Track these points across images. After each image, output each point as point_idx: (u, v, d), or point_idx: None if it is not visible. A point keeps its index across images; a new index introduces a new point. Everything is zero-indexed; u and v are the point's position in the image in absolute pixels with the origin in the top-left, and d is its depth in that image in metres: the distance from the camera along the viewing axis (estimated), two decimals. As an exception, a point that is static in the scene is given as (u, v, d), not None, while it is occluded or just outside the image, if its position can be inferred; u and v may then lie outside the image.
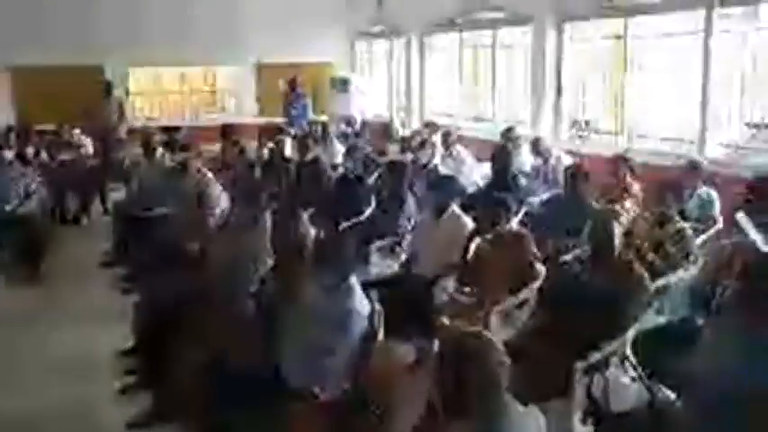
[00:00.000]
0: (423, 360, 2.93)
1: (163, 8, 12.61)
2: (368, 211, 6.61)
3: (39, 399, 4.60)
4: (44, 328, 5.81)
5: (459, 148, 8.64)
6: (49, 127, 10.25)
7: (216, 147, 9.41)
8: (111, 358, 5.05)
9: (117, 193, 9.62)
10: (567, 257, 4.93)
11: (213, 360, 3.63)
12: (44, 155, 9.38)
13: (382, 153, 9.06)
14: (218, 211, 6.37)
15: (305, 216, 4.12)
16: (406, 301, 3.23)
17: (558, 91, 9.33)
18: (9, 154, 7.78)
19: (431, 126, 9.86)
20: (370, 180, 7.57)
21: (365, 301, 3.62)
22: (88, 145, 10.24)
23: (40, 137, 9.95)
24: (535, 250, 4.66)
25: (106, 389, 4.63)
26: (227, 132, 9.49)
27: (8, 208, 7.24)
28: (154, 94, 13.28)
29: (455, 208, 5.32)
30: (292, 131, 10.32)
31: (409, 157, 8.01)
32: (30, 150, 9.14)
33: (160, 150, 8.42)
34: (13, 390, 4.76)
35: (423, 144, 8.19)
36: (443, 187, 5.59)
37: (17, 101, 12.15)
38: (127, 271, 6.90)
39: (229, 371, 3.50)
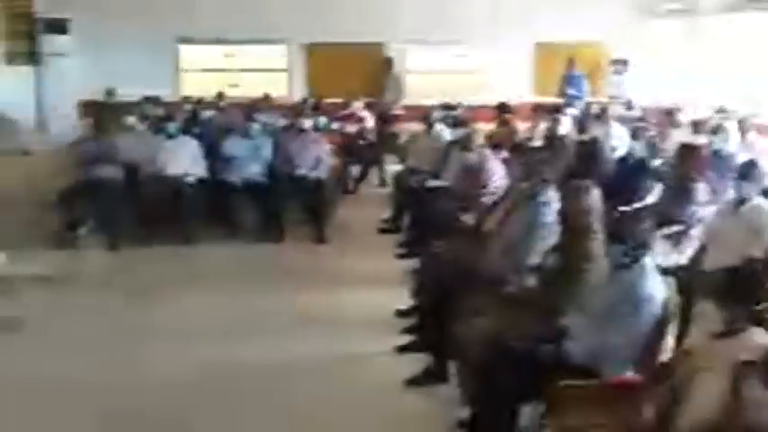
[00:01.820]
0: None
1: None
2: (652, 196, 6.31)
3: (323, 351, 4.97)
4: (329, 286, 6.30)
5: (753, 135, 7.97)
6: (337, 100, 11.10)
7: (491, 126, 9.54)
8: (389, 318, 5.35)
9: (391, 166, 10.20)
10: None
11: (494, 332, 3.68)
12: (333, 125, 10.16)
13: (664, 138, 8.61)
14: (493, 185, 6.46)
15: (596, 191, 4.01)
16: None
17: None
18: (307, 123, 8.48)
19: (725, 111, 9.16)
20: (654, 164, 7.21)
21: (660, 286, 3.45)
22: (368, 118, 10.91)
23: (329, 107, 10.81)
24: None
25: (384, 346, 4.91)
26: (502, 111, 9.62)
27: (302, 172, 7.91)
28: (431, 72, 13.68)
29: (759, 198, 4.90)
30: (568, 111, 10.14)
31: (701, 140, 7.50)
32: (323, 120, 9.95)
33: (438, 126, 8.75)
34: (303, 341, 5.15)
35: (716, 129, 7.64)
36: (744, 175, 5.15)
37: (311, 75, 13.19)
38: (403, 239, 7.30)
39: (510, 344, 3.53)
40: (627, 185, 6.56)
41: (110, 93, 11.12)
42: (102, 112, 9.56)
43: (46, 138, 11.60)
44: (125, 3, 11.89)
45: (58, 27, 11.77)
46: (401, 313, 5.27)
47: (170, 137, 7.99)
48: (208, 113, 9.72)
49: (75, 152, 8.19)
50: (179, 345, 5.06)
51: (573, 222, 3.98)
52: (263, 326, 5.44)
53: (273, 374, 4.66)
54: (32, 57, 11.66)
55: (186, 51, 13.13)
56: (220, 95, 10.98)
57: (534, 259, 4.38)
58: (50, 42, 11.83)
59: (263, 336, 5.26)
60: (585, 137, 8.03)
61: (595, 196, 4.01)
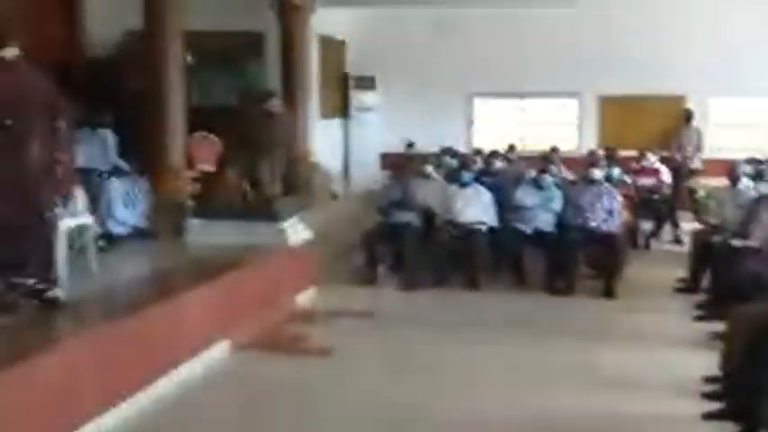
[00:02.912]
0: None
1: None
2: None
3: (620, 412, 4.77)
4: (621, 343, 6.10)
5: None
6: (630, 152, 10.85)
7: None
8: (689, 382, 5.04)
9: (687, 223, 9.71)
10: None
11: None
12: (626, 178, 9.92)
13: None
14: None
15: None
16: None
17: None
18: (599, 174, 8.39)
19: None
20: None
21: None
22: (664, 172, 10.50)
23: (622, 160, 10.59)
24: None
25: (686, 411, 4.62)
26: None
27: (593, 224, 7.82)
28: (735, 125, 12.82)
29: None
30: None
31: None
32: (616, 171, 9.78)
33: (744, 181, 8.22)
34: (596, 399, 5.00)
35: None
36: None
37: (603, 128, 13.01)
38: (703, 300, 6.89)
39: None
40: None
41: (409, 145, 11.93)
42: (402, 163, 10.26)
43: (350, 184, 12.71)
44: (425, 62, 12.71)
45: (367, 84, 12.93)
46: (708, 380, 4.94)
47: (464, 186, 8.36)
48: (499, 164, 9.99)
49: (377, 198, 8.89)
50: (468, 382, 5.27)
51: None
52: (552, 379, 5.36)
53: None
54: (343, 111, 12.90)
55: (480, 105, 13.66)
56: (511, 147, 11.26)
57: None
58: (358, 98, 13.01)
59: (553, 390, 5.16)
60: None
61: None
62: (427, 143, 11.58)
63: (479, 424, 4.65)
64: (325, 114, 12.05)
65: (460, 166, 9.34)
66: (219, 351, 5.72)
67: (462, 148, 11.67)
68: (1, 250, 4.54)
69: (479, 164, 9.89)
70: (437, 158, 10.28)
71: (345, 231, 9.01)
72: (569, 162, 10.51)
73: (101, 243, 6.38)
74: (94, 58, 10.07)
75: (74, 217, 5.69)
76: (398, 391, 5.14)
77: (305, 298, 7.38)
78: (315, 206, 9.17)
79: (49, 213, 4.68)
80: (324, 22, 11.10)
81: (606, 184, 8.46)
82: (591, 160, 9.62)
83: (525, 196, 8.26)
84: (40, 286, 4.67)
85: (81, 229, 5.90)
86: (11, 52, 4.52)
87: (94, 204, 6.51)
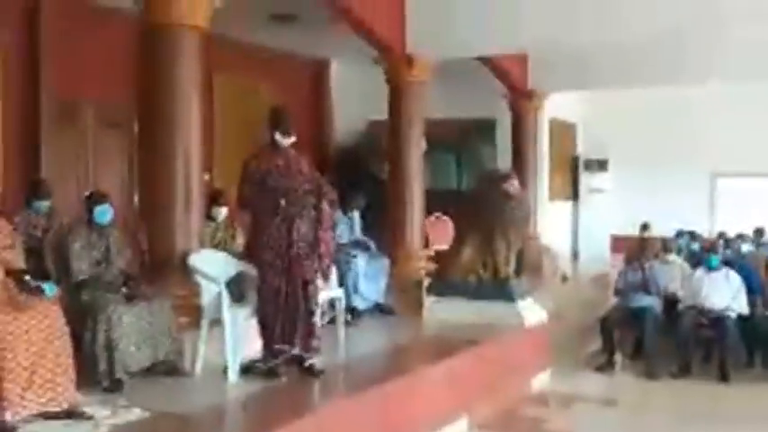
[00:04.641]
0: None
1: None
2: None
3: None
4: None
5: None
6: None
7: None
8: None
9: None
10: None
11: None
12: None
13: None
14: None
15: None
16: None
17: None
18: None
19: None
20: None
21: None
22: None
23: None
24: None
25: None
26: None
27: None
28: None
29: None
30: None
31: None
32: None
33: None
34: None
35: None
36: None
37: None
38: None
39: None
40: None
41: (645, 227, 11.49)
42: (636, 245, 9.91)
43: (579, 267, 12.45)
44: (662, 143, 12.30)
45: (599, 166, 12.77)
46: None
47: (711, 269, 7.91)
48: (747, 247, 9.36)
49: (608, 281, 8.64)
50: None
51: None
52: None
53: None
54: (572, 193, 12.80)
55: (722, 184, 12.93)
56: (760, 231, 10.49)
57: None
58: (589, 180, 12.85)
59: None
60: None
61: None
62: (664, 226, 11.10)
63: None
64: (555, 196, 12.03)
65: (702, 250, 8.86)
66: (458, 428, 5.76)
67: (704, 231, 11.04)
68: (266, 317, 4.99)
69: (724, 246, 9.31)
70: (676, 242, 9.82)
71: (577, 314, 8.82)
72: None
73: (347, 317, 6.74)
74: (342, 146, 10.91)
75: (329, 291, 6.09)
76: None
77: (541, 380, 7.26)
78: (545, 288, 9.09)
79: (312, 286, 5.07)
80: (555, 105, 11.21)
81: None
82: None
83: (782, 282, 7.68)
84: (302, 355, 5.05)
85: (332, 302, 6.32)
86: (290, 140, 5.07)
87: (342, 279, 6.92)
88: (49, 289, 4.28)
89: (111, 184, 7.10)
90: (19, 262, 4.19)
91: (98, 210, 5.11)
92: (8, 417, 3.73)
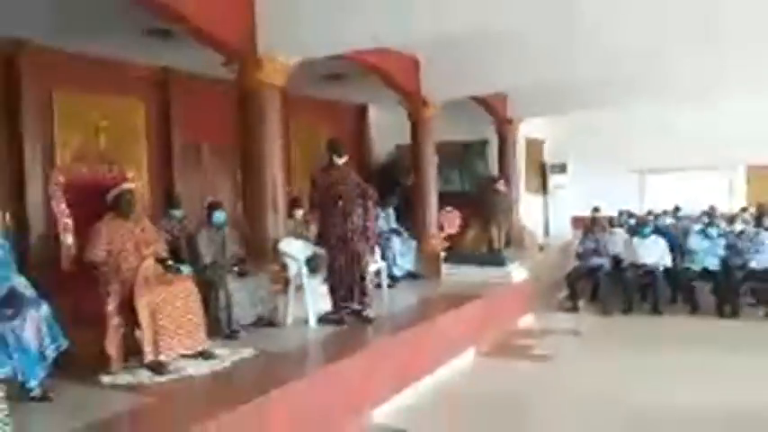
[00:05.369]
0: None
1: None
2: None
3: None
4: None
5: None
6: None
7: None
8: None
9: None
10: None
11: None
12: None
13: None
14: None
15: None
16: None
17: None
18: (744, 227, 7.40)
19: None
20: None
21: None
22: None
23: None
24: None
25: None
26: None
27: (752, 265, 6.87)
28: None
29: None
30: None
31: None
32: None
33: None
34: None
35: None
36: None
37: (753, 193, 11.37)
38: None
39: None
40: None
41: (595, 209, 11.21)
42: (590, 222, 9.73)
43: (549, 239, 12.26)
44: (606, 150, 11.94)
45: (561, 169, 12.54)
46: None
47: (644, 237, 7.74)
48: (668, 221, 9.16)
49: (574, 249, 8.50)
50: (661, 380, 4.80)
51: None
52: (732, 379, 4.77)
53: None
54: (543, 188, 12.59)
55: (649, 178, 12.61)
56: (677, 209, 10.25)
57: None
58: (554, 179, 12.63)
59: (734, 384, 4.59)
60: None
61: None
62: (610, 208, 10.85)
63: (668, 407, 4.22)
64: (530, 191, 11.85)
65: (637, 223, 8.66)
66: (468, 356, 5.75)
67: (638, 210, 10.77)
68: (333, 283, 4.99)
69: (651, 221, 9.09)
70: (619, 218, 9.62)
71: (550, 273, 8.68)
72: (725, 217, 9.25)
73: (388, 282, 6.76)
74: (379, 163, 10.93)
75: (375, 263, 6.10)
76: (606, 384, 4.85)
77: (525, 320, 7.20)
78: (526, 256, 8.97)
79: (364, 260, 5.08)
80: (528, 127, 11.06)
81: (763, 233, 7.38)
82: (738, 217, 8.45)
83: (695, 243, 7.50)
84: (359, 308, 5.06)
85: (378, 272, 6.32)
86: (343, 160, 5.09)
87: (383, 255, 6.94)
88: (185, 269, 4.35)
89: (223, 197, 7.15)
90: (163, 252, 4.25)
91: (215, 214, 5.19)
92: (163, 357, 3.81)
